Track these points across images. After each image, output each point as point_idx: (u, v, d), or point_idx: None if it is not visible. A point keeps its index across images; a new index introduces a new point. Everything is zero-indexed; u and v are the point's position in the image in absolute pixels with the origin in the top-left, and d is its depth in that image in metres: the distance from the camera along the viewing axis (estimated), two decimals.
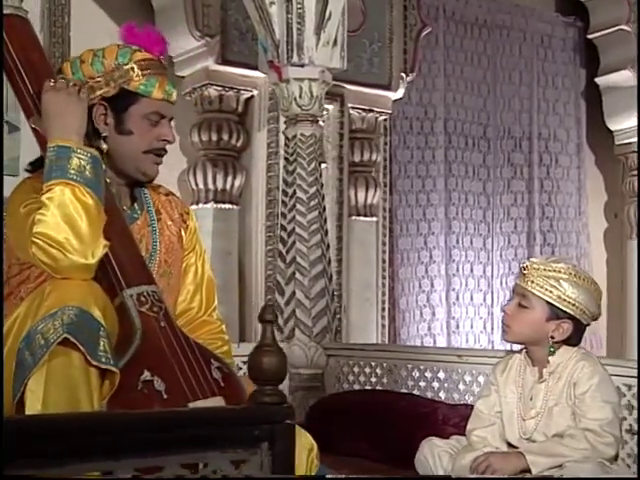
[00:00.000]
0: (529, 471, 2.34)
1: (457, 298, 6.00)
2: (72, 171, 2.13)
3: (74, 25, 4.53)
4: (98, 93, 2.32)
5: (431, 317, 5.86)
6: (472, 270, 6.11)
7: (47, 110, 2.22)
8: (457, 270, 6.03)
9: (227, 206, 4.68)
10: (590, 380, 2.41)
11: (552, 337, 2.45)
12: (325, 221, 3.99)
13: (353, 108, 5.13)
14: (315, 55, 3.85)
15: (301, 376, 3.75)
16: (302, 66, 3.86)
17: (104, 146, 2.34)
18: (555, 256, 2.73)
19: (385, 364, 3.56)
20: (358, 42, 5.15)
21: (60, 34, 4.51)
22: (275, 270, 4.05)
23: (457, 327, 5.94)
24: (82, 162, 2.15)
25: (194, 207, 4.73)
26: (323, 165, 4.97)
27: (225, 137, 4.67)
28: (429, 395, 3.30)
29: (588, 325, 2.51)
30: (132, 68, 2.34)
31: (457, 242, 6.04)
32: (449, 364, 3.24)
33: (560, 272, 2.44)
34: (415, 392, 3.36)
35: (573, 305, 2.43)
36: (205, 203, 4.68)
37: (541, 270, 2.45)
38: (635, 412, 2.80)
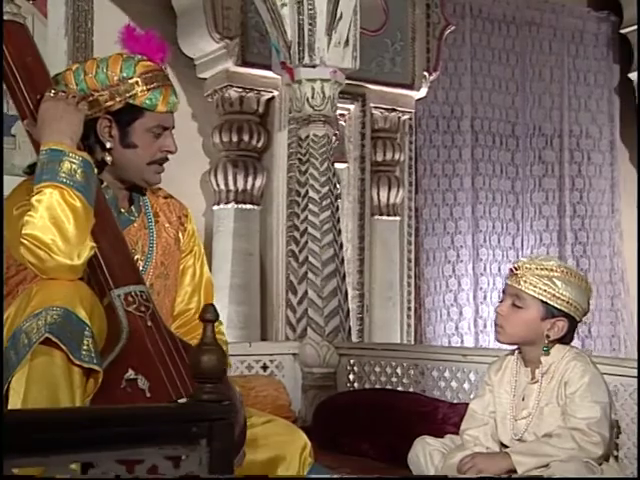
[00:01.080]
0: (515, 471, 2.33)
1: (485, 297, 5.97)
2: (62, 174, 2.17)
3: (97, 30, 4.61)
4: (103, 106, 2.37)
5: (458, 316, 5.84)
6: (500, 269, 6.07)
7: (43, 116, 2.26)
8: (484, 269, 6.00)
9: (248, 206, 4.72)
10: (581, 380, 2.39)
11: (547, 336, 2.44)
12: (338, 221, 4.01)
13: (375, 108, 5.13)
14: (327, 56, 3.87)
15: (314, 375, 3.78)
16: (314, 67, 3.88)
17: (108, 158, 2.39)
18: (543, 255, 2.71)
19: (394, 363, 3.56)
20: (380, 41, 5.16)
21: (83, 39, 4.59)
22: (288, 269, 4.08)
23: (484, 326, 5.91)
24: (73, 166, 2.20)
25: (215, 207, 4.79)
26: (344, 165, 5.01)
27: (245, 138, 4.71)
28: (436, 394, 3.30)
29: (580, 322, 2.50)
30: (137, 82, 2.36)
31: (484, 241, 6.01)
32: (455, 363, 3.24)
33: (553, 270, 2.43)
34: (422, 391, 3.37)
35: (567, 303, 2.42)
36: (226, 204, 4.72)
37: (533, 269, 2.44)
38: None
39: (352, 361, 3.74)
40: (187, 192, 4.85)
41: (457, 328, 5.82)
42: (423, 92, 5.32)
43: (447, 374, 3.31)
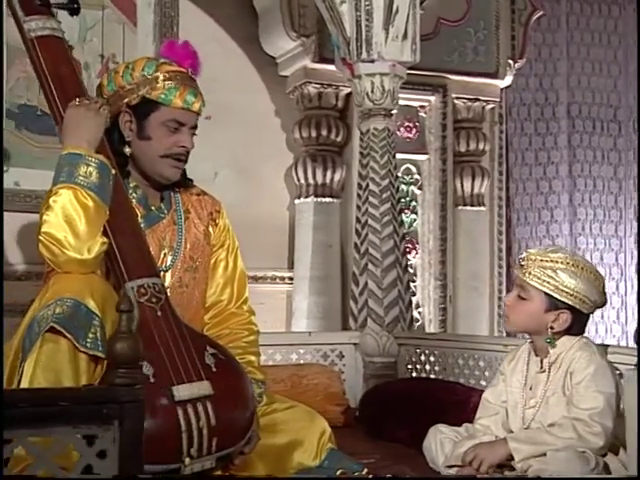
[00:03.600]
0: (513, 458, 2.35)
1: None
2: (79, 176, 2.36)
3: (182, 34, 4.82)
4: (125, 101, 2.56)
5: None
6: (602, 258, 5.93)
7: (65, 122, 2.48)
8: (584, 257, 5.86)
9: (327, 199, 4.82)
10: (586, 370, 2.39)
11: (551, 328, 2.44)
12: (399, 213, 4.05)
13: (458, 98, 5.12)
14: (384, 50, 3.93)
15: (375, 364, 3.85)
16: (372, 62, 3.95)
17: (127, 150, 2.58)
18: (554, 246, 2.69)
19: (446, 353, 3.60)
20: (462, 31, 5.15)
21: None
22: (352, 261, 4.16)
23: None
24: (89, 168, 2.39)
25: (297, 201, 4.93)
26: (425, 156, 5.03)
27: (324, 133, 4.81)
28: (483, 384, 3.31)
29: (591, 313, 2.48)
30: (156, 78, 2.56)
31: (583, 229, 5.88)
32: (498, 353, 3.24)
33: (557, 262, 2.43)
34: (470, 381, 3.39)
35: (571, 295, 2.41)
36: (306, 197, 4.85)
37: (538, 261, 2.44)
38: None
39: (411, 350, 3.80)
40: (272, 187, 5.04)
41: None
42: (508, 81, 5.26)
43: (494, 364, 3.32)
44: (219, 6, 4.95)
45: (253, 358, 2.72)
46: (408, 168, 5.00)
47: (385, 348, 3.84)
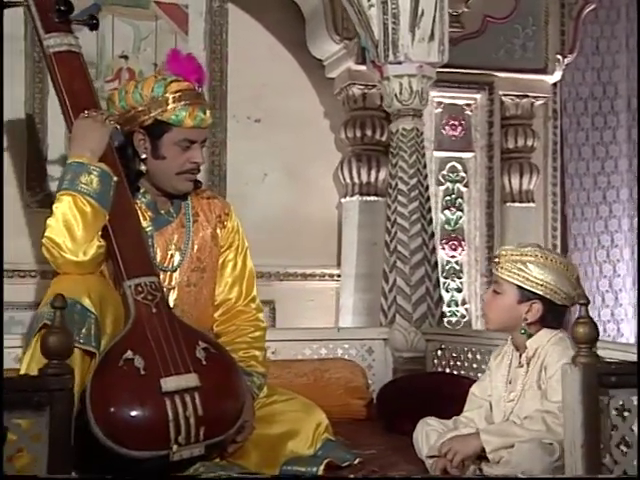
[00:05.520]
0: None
1: None
2: (80, 183, 2.57)
3: (232, 41, 5.02)
4: (138, 122, 2.75)
5: (614, 303, 5.69)
6: None
7: (73, 133, 2.69)
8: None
9: (372, 198, 4.91)
10: (558, 363, 2.43)
11: (525, 319, 2.52)
12: (428, 211, 4.12)
13: (505, 95, 5.13)
14: (411, 52, 4.01)
15: (404, 359, 3.95)
16: (399, 63, 4.03)
17: (143, 167, 2.77)
18: (526, 243, 2.74)
19: (474, 348, 3.66)
20: (509, 28, 5.15)
21: (219, 51, 5.02)
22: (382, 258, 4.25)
23: None
24: (91, 176, 2.59)
25: (343, 200, 5.05)
26: (471, 154, 5.07)
27: (369, 133, 4.91)
28: None
29: (567, 306, 2.54)
30: (166, 100, 2.73)
31: None
32: None
33: (526, 255, 2.52)
34: None
35: (541, 285, 2.50)
36: (352, 196, 4.96)
37: (509, 256, 2.54)
38: None
39: (437, 346, 3.88)
40: (321, 187, 5.17)
41: (613, 315, 5.67)
42: (557, 76, 5.22)
43: None
44: (268, 11, 5.10)
45: (257, 353, 2.88)
46: (454, 166, 5.05)
47: (413, 343, 3.92)
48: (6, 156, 4.52)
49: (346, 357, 3.90)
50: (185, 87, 2.77)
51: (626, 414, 2.02)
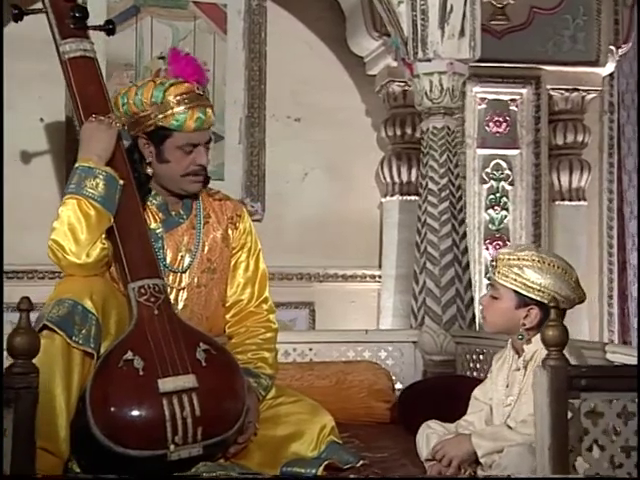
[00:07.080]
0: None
1: None
2: (85, 187, 2.60)
3: (270, 39, 4.99)
4: (141, 127, 2.75)
5: None
6: None
7: (80, 138, 2.72)
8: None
9: (412, 198, 4.81)
10: None
11: (523, 324, 2.45)
12: (460, 211, 4.01)
13: (553, 89, 4.97)
14: (441, 49, 3.92)
15: (434, 363, 3.86)
16: (429, 60, 3.94)
17: (149, 170, 2.78)
18: (523, 245, 2.67)
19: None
20: (558, 19, 4.99)
21: (257, 50, 4.99)
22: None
23: None
24: (97, 179, 2.62)
25: (384, 200, 4.97)
26: (516, 151, 4.93)
27: (409, 131, 4.82)
28: None
29: (566, 309, 2.44)
30: (166, 105, 2.73)
31: None
32: None
33: (523, 260, 2.45)
34: None
35: (539, 291, 2.44)
36: (392, 196, 4.88)
37: (506, 260, 2.47)
38: None
39: (466, 349, 3.78)
40: (362, 186, 5.10)
41: None
42: (610, 68, 5.03)
43: None
44: (307, 9, 5.05)
45: (267, 354, 2.86)
46: (498, 163, 4.92)
47: (443, 346, 3.84)
48: (46, 159, 4.61)
49: (374, 360, 3.83)
50: (184, 90, 2.76)
51: (598, 418, 1.96)
